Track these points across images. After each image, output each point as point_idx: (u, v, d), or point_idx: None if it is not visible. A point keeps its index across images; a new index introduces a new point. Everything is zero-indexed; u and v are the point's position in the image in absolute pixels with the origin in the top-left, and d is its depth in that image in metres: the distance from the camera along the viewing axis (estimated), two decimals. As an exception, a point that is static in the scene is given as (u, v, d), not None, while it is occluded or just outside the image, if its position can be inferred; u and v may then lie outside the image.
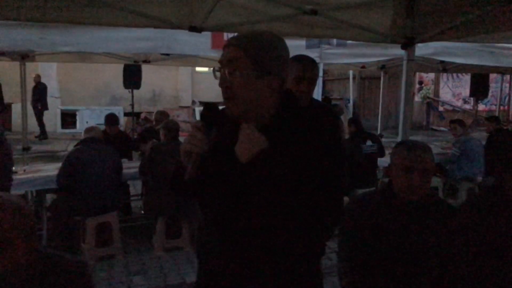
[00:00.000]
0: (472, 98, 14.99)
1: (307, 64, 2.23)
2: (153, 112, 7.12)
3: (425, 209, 1.72)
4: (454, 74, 15.23)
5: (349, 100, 14.92)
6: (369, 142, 5.20)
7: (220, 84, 1.25)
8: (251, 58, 1.21)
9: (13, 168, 2.73)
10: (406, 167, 1.66)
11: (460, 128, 5.80)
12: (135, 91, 7.18)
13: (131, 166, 4.60)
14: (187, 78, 14.89)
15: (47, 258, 1.37)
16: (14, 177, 4.09)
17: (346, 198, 2.26)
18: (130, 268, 3.89)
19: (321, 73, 4.93)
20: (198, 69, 14.33)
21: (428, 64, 6.63)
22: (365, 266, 1.75)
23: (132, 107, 7.78)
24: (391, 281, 1.69)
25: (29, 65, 5.66)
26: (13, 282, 1.25)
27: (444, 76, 15.49)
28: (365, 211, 1.77)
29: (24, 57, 5.30)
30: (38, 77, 11.28)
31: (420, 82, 16.03)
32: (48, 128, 11.65)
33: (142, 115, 8.57)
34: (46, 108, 11.42)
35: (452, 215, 1.76)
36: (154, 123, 5.89)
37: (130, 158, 5.51)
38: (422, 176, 1.65)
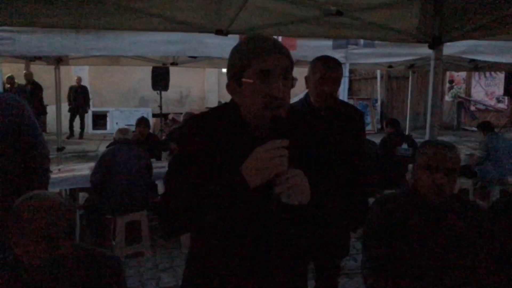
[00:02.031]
0: (506, 97, 14.50)
1: (330, 65, 2.24)
2: (180, 113, 7.25)
3: (452, 210, 1.70)
4: (487, 73, 14.73)
5: (376, 100, 14.70)
6: (404, 145, 5.10)
7: (280, 93, 1.18)
8: (292, 66, 1.26)
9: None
10: (430, 166, 1.64)
11: (482, 131, 5.64)
12: (163, 92, 7.34)
13: (159, 166, 4.71)
14: (214, 80, 15.05)
15: (85, 251, 1.45)
16: (50, 176, 4.27)
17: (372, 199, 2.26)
18: (159, 265, 3.99)
19: (346, 73, 4.90)
20: (224, 70, 14.37)
21: (458, 63, 6.46)
22: (389, 266, 1.75)
23: (160, 108, 7.96)
24: (416, 282, 1.68)
25: (62, 69, 5.90)
26: (57, 271, 1.33)
27: (476, 74, 15.02)
28: (390, 211, 1.76)
29: (59, 61, 5.53)
30: (79, 79, 11.71)
31: (451, 81, 15.60)
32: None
33: (170, 116, 8.73)
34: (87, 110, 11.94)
35: (481, 217, 1.73)
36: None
37: (158, 158, 5.65)
38: (447, 175, 1.62)
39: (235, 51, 1.26)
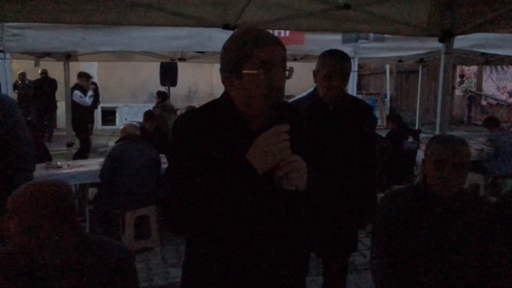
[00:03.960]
0: (518, 92, 14.30)
1: (339, 59, 2.22)
2: (189, 109, 7.25)
3: (461, 205, 1.68)
4: (499, 67, 14.53)
5: (385, 95, 14.58)
6: (410, 139, 5.13)
7: (281, 83, 1.22)
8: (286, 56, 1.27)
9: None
10: (438, 160, 1.63)
11: (488, 127, 5.63)
12: (171, 88, 7.36)
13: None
14: (222, 75, 15.05)
15: (92, 242, 1.46)
16: (59, 171, 4.31)
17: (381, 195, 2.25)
18: (167, 260, 4.01)
19: (355, 68, 4.86)
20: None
21: (469, 57, 6.37)
22: (398, 262, 1.74)
23: (169, 104, 7.98)
24: (425, 277, 1.67)
25: (72, 65, 5.94)
26: (58, 262, 1.35)
27: (487, 69, 14.82)
28: (399, 207, 1.75)
29: (68, 57, 5.57)
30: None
31: (462, 76, 15.41)
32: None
33: (179, 112, 8.76)
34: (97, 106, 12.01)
35: (490, 212, 1.71)
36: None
37: (167, 153, 5.67)
38: (455, 169, 1.60)
39: (231, 44, 1.26)
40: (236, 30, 1.33)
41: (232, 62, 1.24)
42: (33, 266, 1.35)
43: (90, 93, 7.40)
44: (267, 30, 1.31)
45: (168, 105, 6.64)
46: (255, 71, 1.19)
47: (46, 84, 10.54)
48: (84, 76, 7.60)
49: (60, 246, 1.34)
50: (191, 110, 1.35)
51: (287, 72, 1.24)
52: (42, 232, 1.31)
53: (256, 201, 1.22)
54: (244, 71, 1.21)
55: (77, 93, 7.28)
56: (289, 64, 1.30)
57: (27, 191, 1.32)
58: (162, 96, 7.00)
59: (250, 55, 1.20)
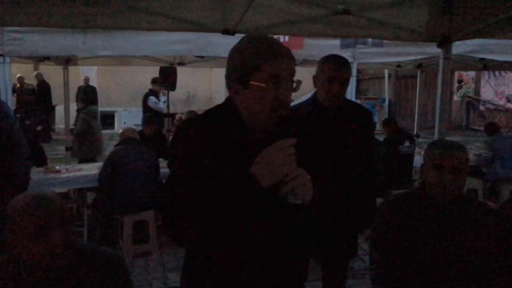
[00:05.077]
0: (516, 97, 14.35)
1: (339, 64, 2.22)
2: (189, 114, 7.28)
3: (460, 210, 1.68)
4: (497, 72, 14.57)
5: (384, 100, 14.62)
6: (407, 143, 5.14)
7: (288, 98, 1.20)
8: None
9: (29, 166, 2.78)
10: (437, 165, 1.63)
11: (487, 132, 5.68)
12: (170, 92, 7.36)
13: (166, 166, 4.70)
14: (221, 80, 15.05)
15: (86, 250, 1.45)
16: (58, 175, 4.30)
17: (380, 199, 2.25)
18: (166, 265, 4.00)
19: (354, 73, 4.88)
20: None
21: (467, 62, 6.40)
22: (397, 268, 1.73)
23: (168, 108, 7.98)
24: (424, 284, 1.67)
25: (71, 69, 5.94)
26: (50, 270, 1.34)
27: (485, 74, 14.87)
28: (398, 212, 1.75)
29: (67, 61, 5.58)
30: (87, 79, 11.77)
31: (460, 81, 15.46)
32: (89, 128, 12.16)
33: (177, 116, 8.76)
34: None
35: (490, 217, 1.71)
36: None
37: (166, 158, 5.67)
38: (454, 174, 1.61)
39: (240, 51, 1.22)
40: (246, 35, 1.27)
41: (239, 71, 1.21)
42: (23, 276, 1.34)
43: (163, 98, 7.52)
44: (277, 39, 1.27)
45: (93, 110, 6.86)
46: (263, 84, 1.16)
47: (45, 89, 10.58)
48: (157, 81, 7.72)
49: (65, 253, 1.34)
50: (194, 117, 1.33)
51: (294, 84, 1.21)
52: (53, 237, 1.30)
53: (259, 214, 1.21)
54: (251, 82, 1.18)
55: (152, 99, 7.43)
56: None
57: (36, 198, 1.32)
58: (91, 101, 7.15)
59: (259, 67, 1.17)
